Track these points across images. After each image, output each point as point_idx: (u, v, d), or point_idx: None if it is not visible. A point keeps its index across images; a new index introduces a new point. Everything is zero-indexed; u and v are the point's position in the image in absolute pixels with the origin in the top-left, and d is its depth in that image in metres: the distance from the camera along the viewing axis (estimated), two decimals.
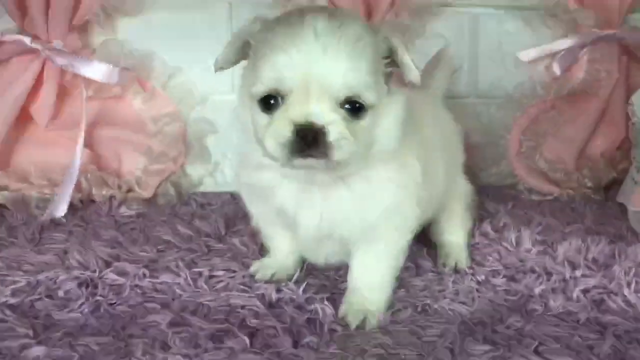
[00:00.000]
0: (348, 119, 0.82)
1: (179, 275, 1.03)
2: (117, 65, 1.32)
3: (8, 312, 0.89)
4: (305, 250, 1.06)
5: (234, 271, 1.07)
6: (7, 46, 1.28)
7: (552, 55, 1.55)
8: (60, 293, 0.96)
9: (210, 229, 1.24)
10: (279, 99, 0.82)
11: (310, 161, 0.81)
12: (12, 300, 0.94)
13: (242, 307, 0.95)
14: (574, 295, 1.03)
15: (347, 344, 0.88)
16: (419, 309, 0.99)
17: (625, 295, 1.03)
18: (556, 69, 1.55)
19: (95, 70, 1.27)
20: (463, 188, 1.25)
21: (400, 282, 1.06)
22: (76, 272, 1.02)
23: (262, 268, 1.06)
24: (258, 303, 0.95)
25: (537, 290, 1.05)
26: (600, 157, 1.59)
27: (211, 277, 1.05)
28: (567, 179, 1.55)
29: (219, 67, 0.90)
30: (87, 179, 1.31)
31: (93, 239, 1.17)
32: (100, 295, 0.96)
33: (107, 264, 1.06)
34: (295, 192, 0.92)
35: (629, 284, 1.05)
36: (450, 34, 1.57)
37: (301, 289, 1.00)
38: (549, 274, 1.10)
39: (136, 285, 1.00)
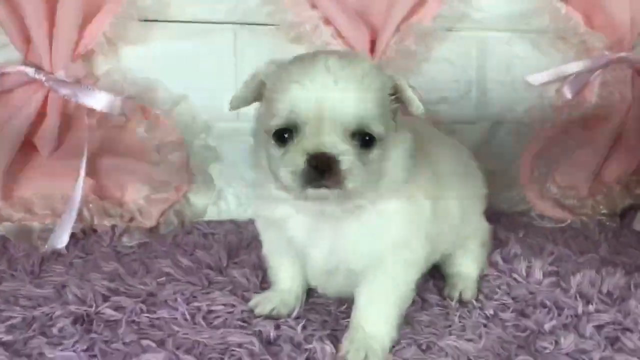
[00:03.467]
0: (358, 150, 0.85)
1: (176, 310, 1.01)
2: (121, 95, 1.31)
3: (1, 350, 0.88)
4: (315, 282, 1.05)
5: (233, 305, 1.04)
6: (10, 77, 1.28)
7: (563, 79, 1.52)
8: (55, 330, 0.94)
9: (212, 260, 1.22)
10: (294, 132, 0.85)
11: (323, 191, 0.84)
12: (7, 338, 0.92)
13: (239, 345, 0.92)
14: (587, 332, 0.98)
15: None
16: (424, 346, 0.96)
17: None
18: (567, 92, 1.52)
19: (98, 100, 1.27)
20: (481, 226, 1.22)
21: (405, 317, 1.03)
22: (72, 307, 1.00)
23: (262, 302, 1.04)
24: (255, 341, 0.92)
25: (547, 327, 1.01)
26: (615, 183, 1.54)
27: (210, 312, 1.02)
28: (580, 205, 1.51)
29: (235, 106, 0.93)
30: (89, 208, 1.30)
31: (93, 271, 1.15)
32: (95, 332, 0.94)
33: (105, 298, 1.04)
34: (307, 224, 0.95)
35: None
36: (457, 58, 1.55)
37: (300, 325, 0.97)
38: (560, 309, 1.06)
39: (133, 321, 0.98)
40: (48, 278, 1.13)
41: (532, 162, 1.53)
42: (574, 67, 1.51)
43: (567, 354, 0.94)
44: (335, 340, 0.95)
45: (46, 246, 1.22)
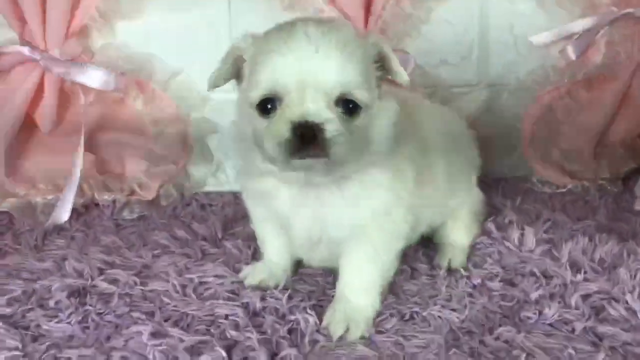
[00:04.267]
0: (343, 118, 0.84)
1: (168, 282, 1.04)
2: (116, 70, 1.33)
3: (0, 322, 0.93)
4: (300, 253, 1.06)
5: (224, 277, 1.07)
6: (7, 57, 1.30)
7: (568, 38, 1.47)
8: (52, 303, 0.98)
9: (207, 232, 1.25)
10: (276, 102, 0.84)
11: (309, 161, 0.84)
12: (7, 310, 0.97)
13: (226, 316, 0.95)
14: (572, 302, 0.98)
15: (326, 357, 0.87)
16: (407, 316, 0.97)
17: (627, 302, 0.97)
18: (571, 52, 1.46)
19: (92, 78, 1.28)
20: (473, 195, 1.22)
21: (392, 287, 1.04)
22: (70, 280, 1.04)
23: (252, 274, 1.06)
24: (241, 312, 0.95)
25: (533, 296, 1.01)
26: (619, 146, 1.50)
27: (201, 283, 1.05)
28: (583, 169, 1.47)
29: (213, 85, 0.92)
30: (89, 183, 1.34)
31: (92, 245, 1.19)
32: (90, 305, 0.98)
33: (101, 271, 1.08)
34: (292, 195, 0.95)
35: (633, 289, 0.99)
36: (457, 19, 1.50)
37: (286, 296, 0.99)
38: (548, 278, 1.06)
39: (126, 294, 1.02)
40: (50, 252, 1.17)
41: (534, 126, 1.49)
42: (579, 25, 1.45)
43: (550, 324, 0.94)
44: (321, 311, 0.97)
45: (49, 221, 1.27)
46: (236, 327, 0.92)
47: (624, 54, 1.43)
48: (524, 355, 0.86)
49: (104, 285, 1.04)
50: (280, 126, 0.82)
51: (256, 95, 0.85)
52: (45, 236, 1.24)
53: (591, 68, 1.46)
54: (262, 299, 0.99)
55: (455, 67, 1.53)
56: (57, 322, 0.94)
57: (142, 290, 1.03)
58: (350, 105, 0.84)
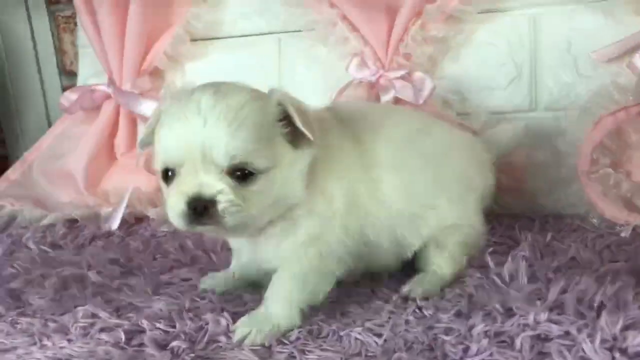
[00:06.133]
0: (238, 186, 0.86)
1: (141, 279, 1.15)
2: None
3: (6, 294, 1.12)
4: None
5: (189, 280, 1.13)
6: (97, 93, 1.62)
7: (636, 49, 1.22)
8: (47, 284, 1.15)
9: (211, 245, 1.32)
10: (174, 172, 0.89)
11: (207, 227, 0.88)
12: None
13: (160, 309, 1.00)
14: (518, 343, 0.80)
15: (211, 356, 0.86)
16: (322, 334, 0.91)
17: (584, 351, 0.76)
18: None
19: (145, 108, 1.51)
20: (466, 222, 1.09)
21: (334, 305, 0.98)
22: (75, 271, 1.21)
23: (206, 280, 1.11)
24: (165, 307, 0.99)
25: (475, 331, 0.84)
26: None
27: (167, 283, 1.13)
28: None
29: (142, 145, 0.99)
30: (139, 199, 1.54)
31: (117, 249, 1.36)
32: (70, 290, 1.13)
33: (103, 267, 1.23)
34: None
35: (597, 338, 0.77)
36: (504, 40, 1.38)
37: (217, 299, 1.01)
38: (510, 316, 0.87)
39: (104, 285, 1.14)
40: (87, 249, 1.38)
41: (593, 154, 1.25)
42: None
43: None
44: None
45: (103, 228, 1.49)
46: (153, 318, 0.96)
47: None
48: None
49: (93, 277, 1.17)
50: (176, 198, 0.86)
51: (156, 165, 0.91)
52: (93, 239, 1.46)
53: None
54: (201, 298, 1.03)
55: (502, 91, 1.38)
56: (39, 298, 1.10)
57: (119, 282, 1.15)
58: (246, 172, 0.86)
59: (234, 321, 0.94)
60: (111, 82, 1.59)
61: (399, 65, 1.35)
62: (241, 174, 0.85)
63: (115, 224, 1.49)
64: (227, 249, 1.28)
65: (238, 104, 0.86)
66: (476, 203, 1.10)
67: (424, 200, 1.02)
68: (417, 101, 1.31)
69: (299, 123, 0.87)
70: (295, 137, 0.90)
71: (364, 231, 0.98)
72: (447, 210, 1.05)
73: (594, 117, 1.26)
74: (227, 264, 1.20)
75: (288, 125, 0.89)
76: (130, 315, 0.98)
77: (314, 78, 1.54)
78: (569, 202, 1.28)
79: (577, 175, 1.27)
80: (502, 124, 1.32)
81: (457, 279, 1.04)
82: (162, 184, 0.91)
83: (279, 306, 0.93)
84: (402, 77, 1.32)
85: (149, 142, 0.96)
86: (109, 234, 1.49)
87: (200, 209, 0.83)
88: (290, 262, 0.95)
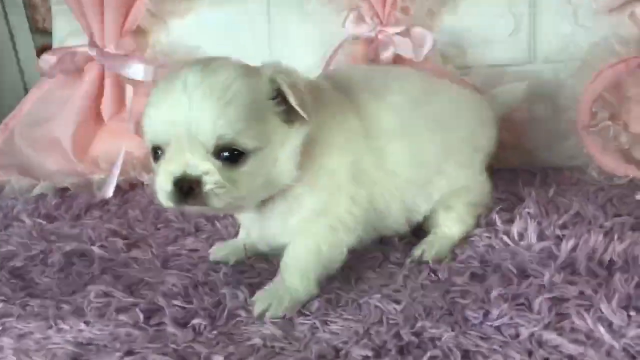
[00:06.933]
0: (226, 167, 0.83)
1: (148, 253, 1.13)
2: (157, 63, 1.47)
3: (6, 273, 1.09)
4: None
5: (196, 251, 1.13)
6: (79, 56, 1.53)
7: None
8: (50, 260, 1.13)
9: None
10: (161, 151, 0.86)
11: (194, 208, 0.85)
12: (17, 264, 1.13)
13: (173, 284, 1.00)
14: (535, 306, 0.82)
15: (233, 331, 0.86)
16: (341, 302, 0.92)
17: (602, 311, 0.78)
18: None
19: (133, 70, 1.45)
20: (474, 184, 1.09)
21: (348, 273, 0.99)
22: (77, 244, 1.18)
23: (217, 250, 1.10)
24: (180, 284, 0.98)
25: (493, 294, 0.86)
26: None
27: (173, 255, 1.12)
28: None
29: None
30: (134, 165, 1.50)
31: (117, 217, 1.34)
32: (76, 266, 1.10)
33: (105, 239, 1.21)
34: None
35: (616, 298, 0.79)
36: None
37: (229, 272, 1.01)
38: (524, 277, 0.90)
39: (110, 259, 1.12)
40: (84, 221, 1.34)
41: (593, 106, 1.25)
42: None
43: (496, 327, 0.80)
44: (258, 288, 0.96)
45: (98, 196, 1.46)
46: (169, 295, 0.96)
47: None
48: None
49: (97, 251, 1.16)
50: (163, 177, 0.84)
51: (146, 143, 0.88)
52: (89, 208, 1.43)
53: None
54: (214, 271, 1.02)
55: (501, 43, 1.36)
56: (46, 277, 1.06)
57: (125, 256, 1.13)
58: (235, 152, 0.83)
59: (251, 294, 0.94)
60: (93, 44, 1.51)
61: (397, 20, 1.31)
62: (230, 154, 0.82)
63: (109, 192, 1.45)
64: (230, 215, 1.29)
65: (226, 80, 0.82)
66: (482, 162, 1.10)
67: (433, 167, 1.02)
68: (418, 57, 1.28)
69: (293, 102, 0.84)
70: (288, 115, 0.87)
71: (373, 200, 0.98)
72: (456, 174, 1.05)
73: (594, 70, 1.26)
74: (232, 230, 1.21)
75: (281, 102, 0.86)
76: (145, 292, 0.98)
77: (306, 35, 1.48)
78: (568, 154, 1.29)
79: (576, 128, 1.29)
80: (505, 83, 1.30)
81: (467, 239, 1.06)
82: (152, 162, 0.89)
83: (296, 277, 0.93)
84: (401, 33, 1.28)
85: None
86: (105, 202, 1.46)
87: (186, 189, 0.82)
88: (301, 235, 0.95)
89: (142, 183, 1.51)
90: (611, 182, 1.22)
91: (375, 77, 1.03)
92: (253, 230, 1.03)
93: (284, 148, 0.86)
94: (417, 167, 1.00)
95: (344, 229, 0.95)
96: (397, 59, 1.31)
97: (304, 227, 0.94)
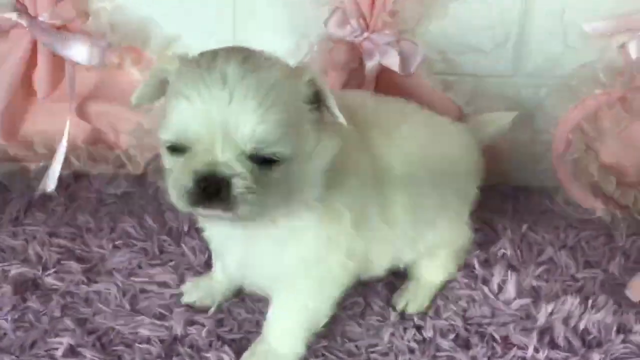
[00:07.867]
0: (257, 171, 0.73)
1: (113, 284, 1.05)
2: (104, 42, 1.27)
3: None
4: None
5: (167, 286, 1.05)
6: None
7: (632, 32, 1.18)
8: None
9: (175, 223, 1.21)
10: (186, 146, 0.74)
11: (215, 212, 0.75)
12: None
13: (148, 339, 0.93)
14: None
15: None
16: None
17: None
18: (634, 50, 1.18)
19: (75, 52, 1.24)
20: (458, 233, 1.06)
21: (335, 325, 0.97)
22: (24, 269, 1.07)
23: (190, 290, 1.03)
24: (156, 340, 0.93)
25: None
26: None
27: (141, 291, 1.04)
28: (620, 194, 1.23)
29: (139, 103, 0.84)
30: (77, 153, 1.34)
31: (64, 226, 1.20)
32: (31, 302, 1.00)
33: (58, 261, 1.10)
34: (222, 232, 0.90)
35: None
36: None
37: (211, 325, 0.96)
38: (508, 346, 0.93)
39: (69, 292, 1.03)
40: (25, 227, 1.19)
41: (570, 133, 1.25)
42: None
43: None
44: (246, 345, 0.93)
45: (37, 190, 1.30)
46: (148, 354, 0.90)
47: None
48: None
49: (51, 281, 1.05)
50: (183, 174, 0.73)
51: (165, 137, 0.75)
52: (30, 207, 1.28)
53: None
54: (190, 323, 0.97)
55: (487, 55, 1.30)
56: None
57: (86, 289, 1.04)
58: (267, 157, 0.73)
59: (236, 355, 0.91)
60: (22, 8, 1.26)
61: (384, 23, 1.20)
62: (262, 158, 0.73)
63: (51, 185, 1.29)
64: (194, 229, 1.20)
65: (270, 79, 0.73)
66: (468, 211, 1.08)
67: (428, 221, 0.99)
68: (404, 72, 1.20)
69: (333, 106, 0.76)
70: (319, 124, 0.79)
71: (368, 252, 0.94)
72: (446, 229, 1.02)
73: (575, 95, 1.25)
74: (201, 258, 1.13)
75: (314, 109, 0.78)
76: (119, 349, 0.91)
77: (275, 16, 1.32)
78: (540, 177, 1.31)
79: (550, 153, 1.29)
80: (489, 96, 1.25)
81: (447, 285, 1.07)
82: (166, 153, 0.78)
83: (283, 339, 0.90)
84: (389, 44, 1.18)
85: (142, 102, 0.83)
86: (47, 197, 1.30)
87: (212, 189, 0.73)
88: (286, 291, 0.90)
89: (88, 175, 1.36)
90: (578, 214, 1.25)
91: (383, 112, 0.96)
92: (232, 258, 0.92)
93: (312, 161, 0.79)
94: (414, 222, 0.96)
95: (333, 284, 0.90)
96: (382, 69, 1.21)
97: (294, 272, 0.88)
